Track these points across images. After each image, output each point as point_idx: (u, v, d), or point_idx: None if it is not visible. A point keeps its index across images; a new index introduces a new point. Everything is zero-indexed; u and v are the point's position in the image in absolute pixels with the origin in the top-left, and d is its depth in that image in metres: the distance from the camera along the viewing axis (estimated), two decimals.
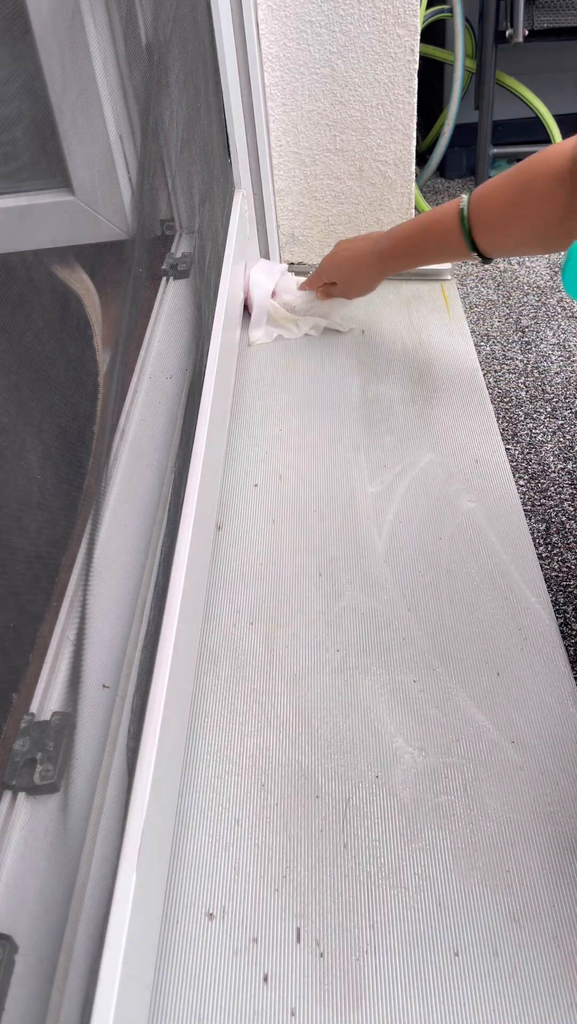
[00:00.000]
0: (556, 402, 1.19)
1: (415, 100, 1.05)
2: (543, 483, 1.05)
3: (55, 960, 0.43)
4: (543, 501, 1.02)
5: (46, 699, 0.53)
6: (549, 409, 1.17)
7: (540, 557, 0.93)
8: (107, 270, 0.79)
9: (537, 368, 1.26)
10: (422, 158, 1.45)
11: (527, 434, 1.13)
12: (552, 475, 1.06)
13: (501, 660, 0.68)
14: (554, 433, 1.13)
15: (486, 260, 0.82)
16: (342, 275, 0.99)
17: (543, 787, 0.59)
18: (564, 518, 0.99)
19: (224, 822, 0.58)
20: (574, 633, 0.86)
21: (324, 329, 1.10)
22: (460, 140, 1.72)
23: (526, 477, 1.06)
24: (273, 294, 1.10)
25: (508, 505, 0.83)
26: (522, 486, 1.04)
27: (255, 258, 1.18)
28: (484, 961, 0.50)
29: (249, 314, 1.10)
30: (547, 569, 0.93)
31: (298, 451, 0.91)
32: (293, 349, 1.08)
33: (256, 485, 0.87)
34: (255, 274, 1.10)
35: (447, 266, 1.22)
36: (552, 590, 0.89)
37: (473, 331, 1.33)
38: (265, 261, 1.15)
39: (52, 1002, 0.42)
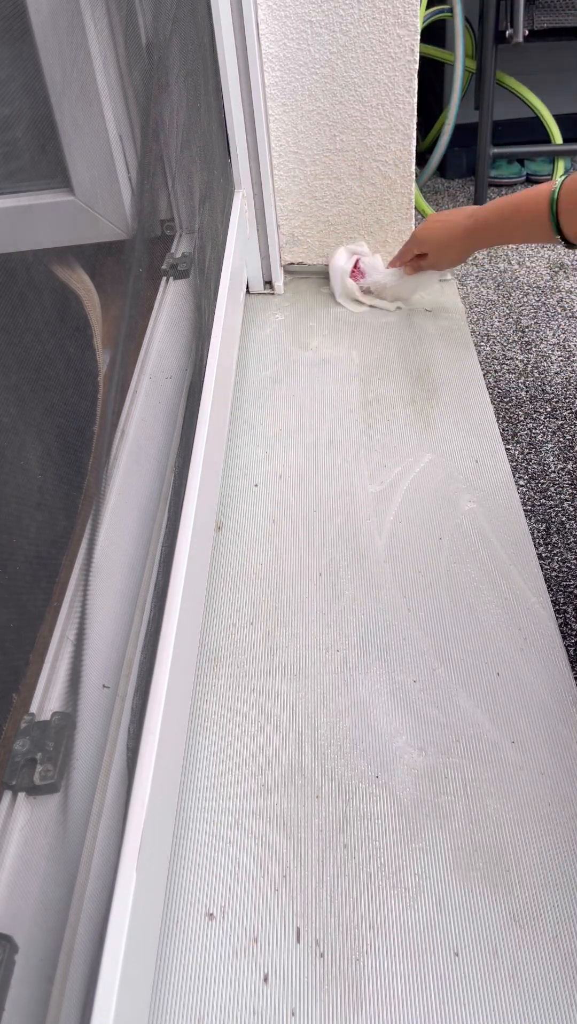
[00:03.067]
0: (556, 402, 1.19)
1: (415, 100, 1.05)
2: (543, 483, 1.05)
3: (55, 960, 0.43)
4: (543, 501, 1.02)
5: (46, 699, 0.53)
6: (549, 409, 1.17)
7: (540, 557, 0.93)
8: (107, 270, 0.79)
9: (537, 368, 1.26)
10: (422, 158, 1.45)
11: (527, 434, 1.13)
12: (552, 475, 1.06)
13: (501, 660, 0.68)
14: (554, 433, 1.13)
15: (571, 246, 0.83)
16: (434, 246, 1.01)
17: (543, 787, 0.59)
18: (564, 518, 0.99)
19: (224, 822, 0.58)
20: (574, 633, 0.86)
21: (397, 307, 1.15)
22: (460, 140, 1.72)
23: (526, 477, 1.06)
24: (355, 273, 1.15)
25: (508, 505, 0.83)
26: (522, 486, 1.04)
27: (254, 258, 1.18)
28: (484, 961, 0.50)
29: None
30: (547, 569, 0.93)
31: (298, 451, 0.91)
32: (292, 351, 1.08)
33: (256, 485, 0.87)
34: (337, 252, 1.17)
35: None
36: (552, 590, 0.89)
37: (473, 331, 1.33)
38: (348, 249, 1.20)
39: (52, 1002, 0.42)
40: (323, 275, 1.24)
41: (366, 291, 1.15)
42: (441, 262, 1.04)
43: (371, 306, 1.15)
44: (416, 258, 1.06)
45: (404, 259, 1.08)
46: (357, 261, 1.17)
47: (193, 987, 0.50)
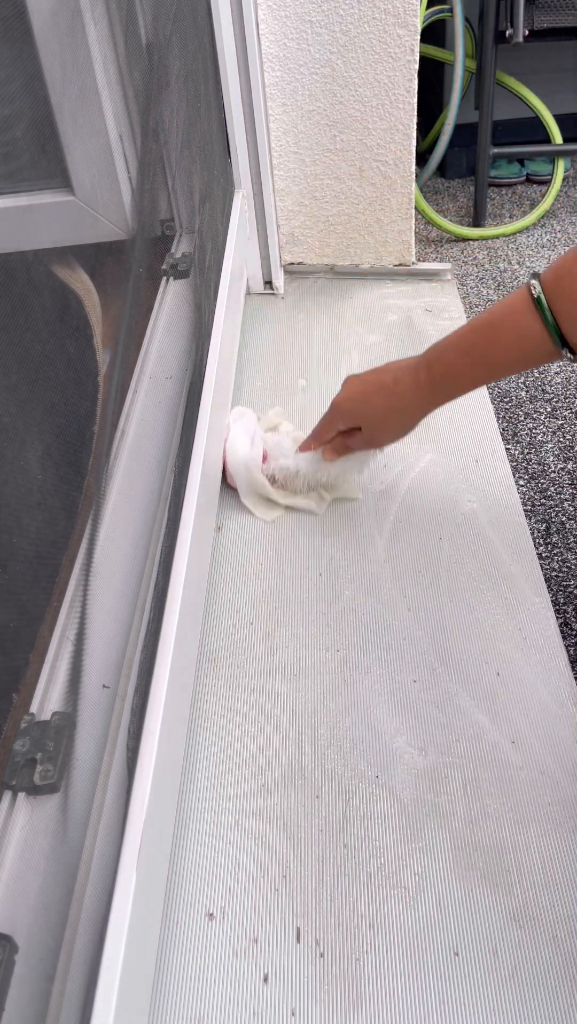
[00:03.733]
0: (556, 402, 1.18)
1: (415, 100, 1.05)
2: (543, 483, 1.05)
3: (55, 960, 0.43)
4: (543, 501, 1.02)
5: (46, 699, 0.53)
6: (549, 409, 1.17)
7: (540, 557, 0.93)
8: (107, 270, 0.79)
9: (537, 368, 1.26)
10: (422, 158, 1.45)
11: (527, 434, 1.13)
12: (552, 475, 1.06)
13: (501, 660, 0.68)
14: (554, 433, 1.13)
15: None
16: (369, 416, 0.73)
17: (543, 787, 0.59)
18: (564, 518, 0.99)
19: (224, 822, 0.58)
20: (574, 633, 0.86)
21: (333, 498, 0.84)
22: (460, 140, 1.72)
23: (526, 477, 1.06)
24: (264, 458, 0.84)
25: (508, 505, 0.83)
26: (522, 486, 1.04)
27: (255, 258, 1.18)
28: (484, 961, 0.50)
29: (233, 489, 0.85)
30: (547, 569, 0.93)
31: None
32: (292, 351, 1.08)
33: None
34: (232, 435, 0.85)
35: (447, 266, 1.22)
36: (552, 590, 0.89)
37: None
38: (240, 411, 0.90)
39: (52, 1002, 0.42)
40: (323, 275, 1.24)
41: (271, 480, 0.83)
42: (381, 437, 0.74)
43: (287, 507, 0.83)
44: (341, 435, 0.77)
45: (323, 438, 0.78)
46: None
47: (193, 987, 0.50)
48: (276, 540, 0.80)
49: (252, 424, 0.87)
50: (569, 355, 0.59)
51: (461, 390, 0.66)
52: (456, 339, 0.65)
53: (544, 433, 1.13)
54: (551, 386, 1.21)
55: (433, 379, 0.66)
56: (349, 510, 0.83)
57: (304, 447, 0.81)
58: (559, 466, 1.07)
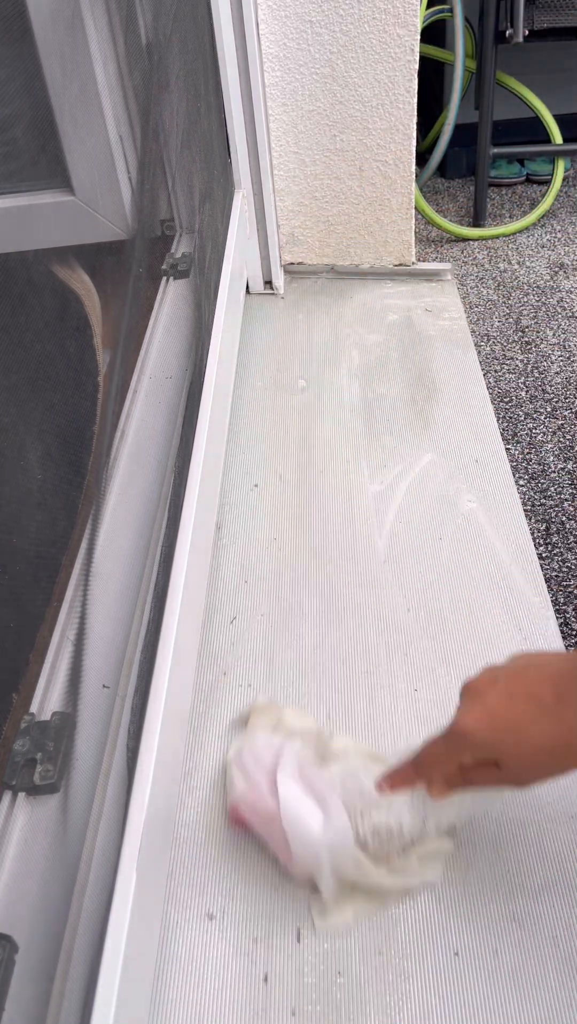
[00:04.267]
0: (556, 402, 1.19)
1: (415, 100, 1.05)
2: (543, 483, 1.05)
3: (55, 960, 0.43)
4: (543, 501, 1.02)
5: (46, 699, 0.53)
6: (549, 409, 1.17)
7: (540, 557, 0.93)
8: (107, 270, 0.79)
9: (537, 368, 1.26)
10: (422, 158, 1.45)
11: (527, 434, 1.13)
12: (552, 475, 1.06)
13: (501, 660, 0.68)
14: (554, 433, 1.13)
15: None
16: (517, 751, 0.45)
17: (543, 787, 0.59)
18: (564, 518, 0.99)
19: (224, 822, 0.58)
20: (574, 633, 0.86)
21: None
22: (460, 140, 1.72)
23: (526, 477, 1.06)
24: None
25: (508, 505, 0.83)
26: (522, 486, 1.04)
27: (255, 257, 1.17)
28: (484, 961, 0.50)
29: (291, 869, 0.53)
30: (547, 569, 0.93)
31: (298, 451, 0.91)
32: (292, 351, 1.08)
33: (256, 485, 0.87)
34: (287, 795, 0.52)
35: (447, 266, 1.22)
36: (552, 590, 0.89)
37: (473, 331, 1.33)
38: (267, 742, 0.58)
39: (52, 1002, 0.42)
40: (323, 275, 1.24)
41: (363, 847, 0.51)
42: (530, 775, 0.46)
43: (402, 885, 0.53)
44: (461, 769, 0.49)
45: (431, 772, 0.50)
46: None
47: (193, 987, 0.50)
48: (276, 540, 0.80)
49: (293, 757, 0.55)
50: None
51: None
52: None
53: (544, 433, 1.13)
54: (551, 386, 1.21)
55: None
56: (349, 510, 0.83)
57: (393, 782, 0.51)
58: (559, 466, 1.07)
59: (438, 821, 0.51)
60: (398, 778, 0.51)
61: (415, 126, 1.08)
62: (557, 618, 0.72)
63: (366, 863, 0.51)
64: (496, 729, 0.45)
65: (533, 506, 1.01)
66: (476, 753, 0.47)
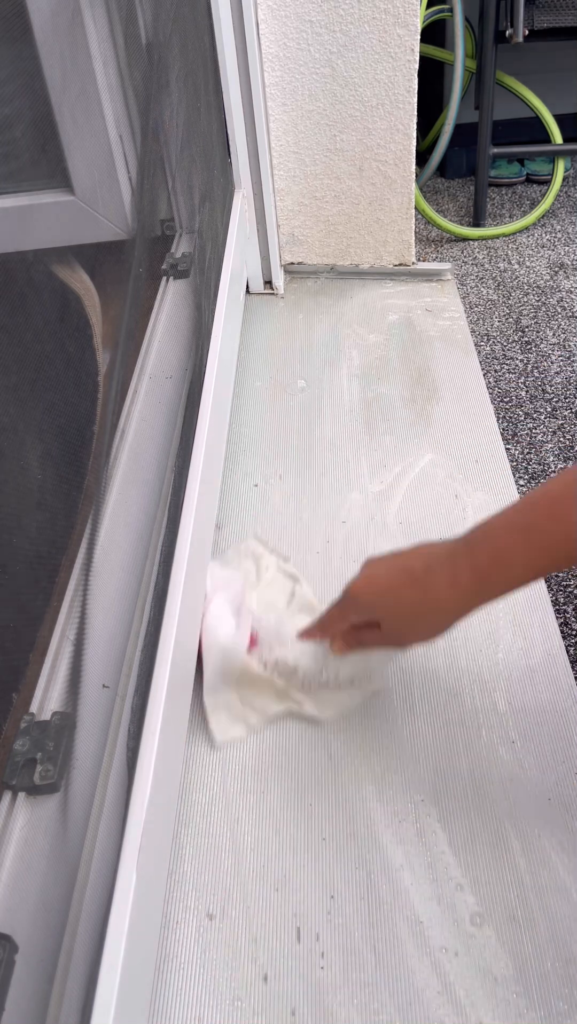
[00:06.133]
0: (556, 402, 1.19)
1: (415, 100, 1.05)
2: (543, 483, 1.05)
3: (55, 960, 0.43)
4: None
5: (46, 699, 0.53)
6: (549, 409, 1.17)
7: None
8: (107, 270, 0.79)
9: (537, 368, 1.26)
10: (422, 158, 1.45)
11: (527, 434, 1.13)
12: (552, 475, 1.06)
13: (501, 660, 0.68)
14: (554, 433, 1.13)
15: None
16: (392, 612, 0.56)
17: (543, 787, 0.59)
18: None
19: (224, 822, 0.58)
20: (574, 633, 0.86)
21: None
22: (460, 140, 1.72)
23: (526, 477, 1.06)
24: (251, 643, 0.65)
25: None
26: (522, 486, 1.04)
27: (255, 257, 1.17)
28: (484, 961, 0.50)
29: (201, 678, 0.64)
30: None
31: (298, 451, 0.91)
32: (292, 350, 1.08)
33: (256, 485, 0.87)
34: (212, 610, 0.66)
35: (447, 266, 1.22)
36: (552, 590, 0.89)
37: (473, 331, 1.33)
38: (224, 576, 0.70)
39: (52, 1002, 0.42)
40: (323, 275, 1.24)
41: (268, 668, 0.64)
42: (405, 637, 0.58)
43: (286, 710, 0.64)
44: (354, 629, 0.61)
45: (332, 630, 0.62)
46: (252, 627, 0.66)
47: (193, 987, 0.50)
48: (276, 540, 0.80)
49: (239, 594, 0.67)
50: None
51: (511, 582, 0.50)
52: (507, 518, 0.50)
53: (544, 433, 1.13)
54: (551, 386, 1.21)
55: (477, 567, 0.50)
56: (350, 510, 0.83)
57: (307, 635, 0.64)
58: (559, 466, 1.07)
59: (336, 673, 0.63)
60: (309, 632, 0.64)
61: (415, 126, 1.08)
62: (557, 618, 0.72)
63: (251, 670, 0.62)
64: (374, 592, 0.56)
65: None
66: (360, 613, 0.58)
